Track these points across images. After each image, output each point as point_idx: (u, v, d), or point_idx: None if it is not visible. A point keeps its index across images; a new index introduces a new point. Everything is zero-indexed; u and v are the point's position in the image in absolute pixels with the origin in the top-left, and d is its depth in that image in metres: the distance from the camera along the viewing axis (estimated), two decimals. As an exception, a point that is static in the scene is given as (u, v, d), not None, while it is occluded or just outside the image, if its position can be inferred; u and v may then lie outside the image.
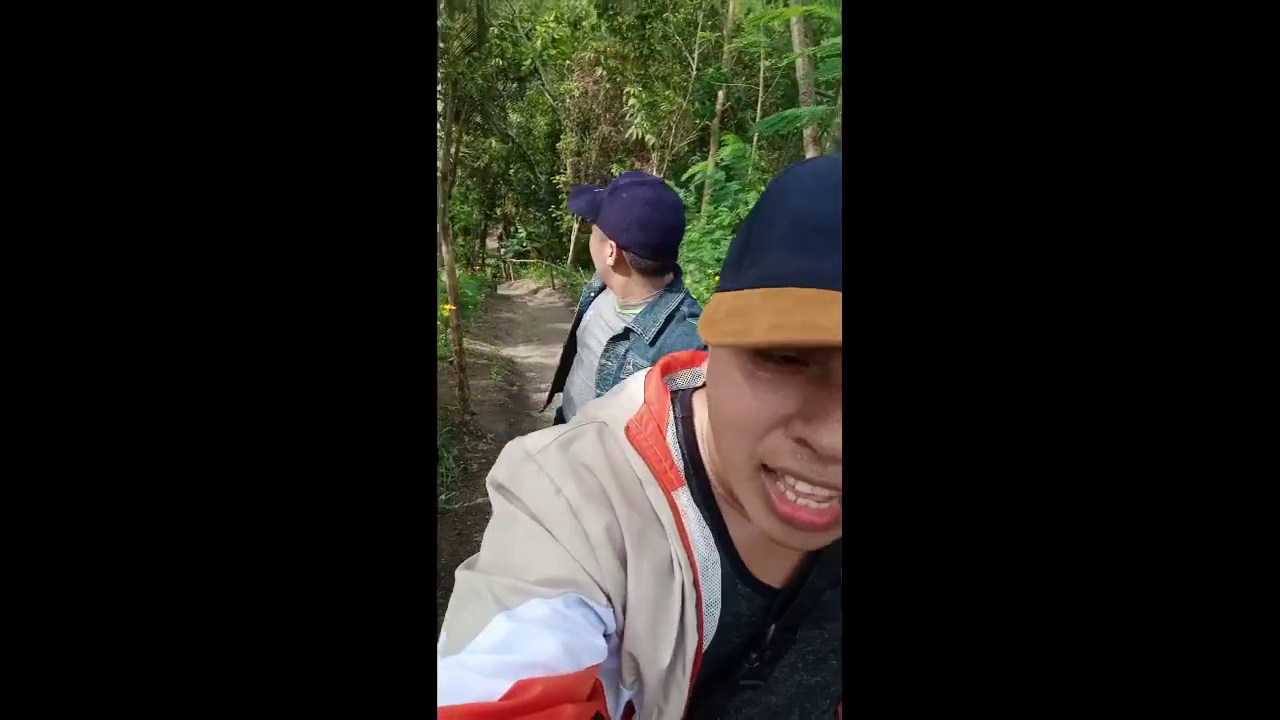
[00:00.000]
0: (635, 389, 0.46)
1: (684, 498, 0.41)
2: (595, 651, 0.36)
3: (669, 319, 1.12)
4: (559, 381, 1.36)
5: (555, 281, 9.66)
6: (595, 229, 1.14)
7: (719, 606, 0.42)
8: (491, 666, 0.33)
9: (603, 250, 1.12)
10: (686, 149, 6.53)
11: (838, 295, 0.29)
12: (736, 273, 0.35)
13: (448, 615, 0.38)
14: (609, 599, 0.38)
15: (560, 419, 1.38)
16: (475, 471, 2.53)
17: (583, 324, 1.27)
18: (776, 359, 0.32)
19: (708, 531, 0.42)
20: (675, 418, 0.43)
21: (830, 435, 0.30)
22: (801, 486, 0.33)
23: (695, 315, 1.15)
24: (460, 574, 0.40)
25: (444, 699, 0.31)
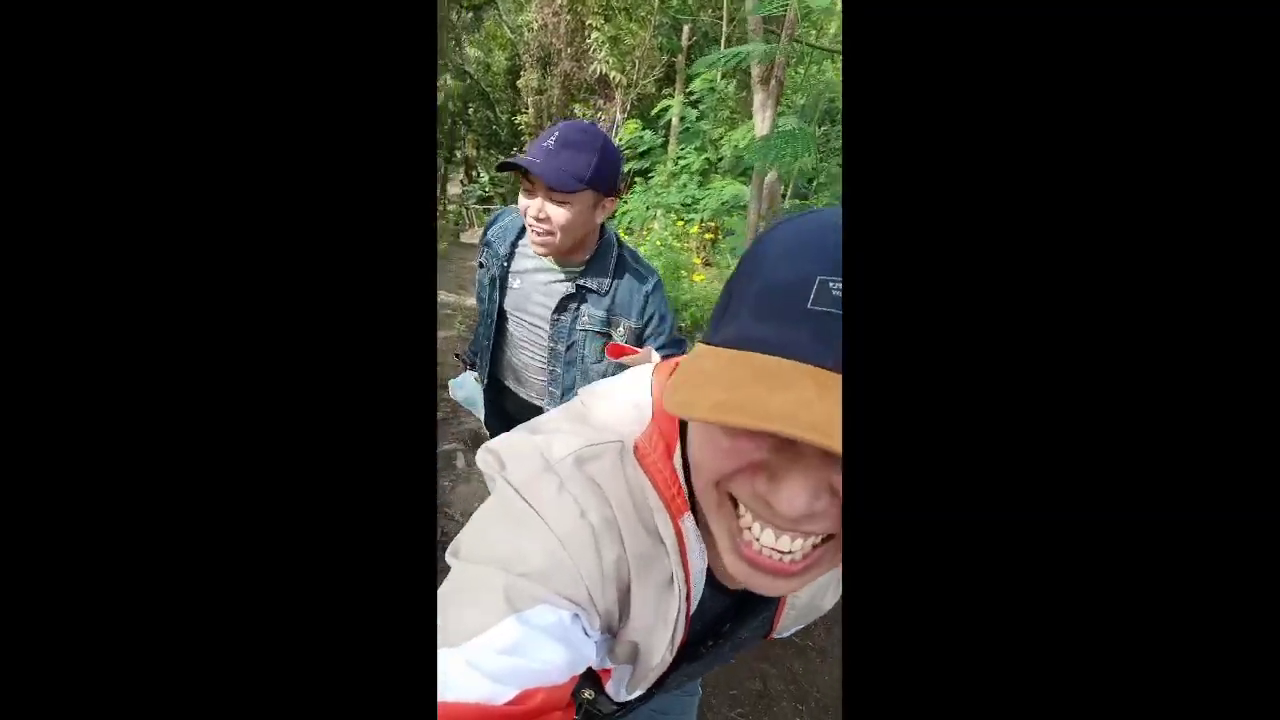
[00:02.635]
0: (643, 399, 0.45)
1: (689, 523, 0.41)
2: (584, 663, 0.38)
3: (615, 270, 1.11)
4: (494, 361, 1.30)
5: (521, 228, 9.42)
6: (581, 196, 1.01)
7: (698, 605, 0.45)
8: (500, 670, 0.33)
9: (596, 213, 1.05)
10: (653, 86, 6.29)
11: (796, 366, 0.29)
12: (716, 328, 0.35)
13: (443, 597, 0.37)
14: (600, 624, 0.41)
15: (496, 384, 1.32)
16: (440, 419, 2.53)
17: (513, 296, 1.19)
18: None
19: (704, 548, 0.42)
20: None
21: (789, 501, 0.31)
22: (765, 537, 0.34)
23: (637, 260, 1.14)
24: (458, 563, 0.39)
25: (447, 693, 0.32)
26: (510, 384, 1.31)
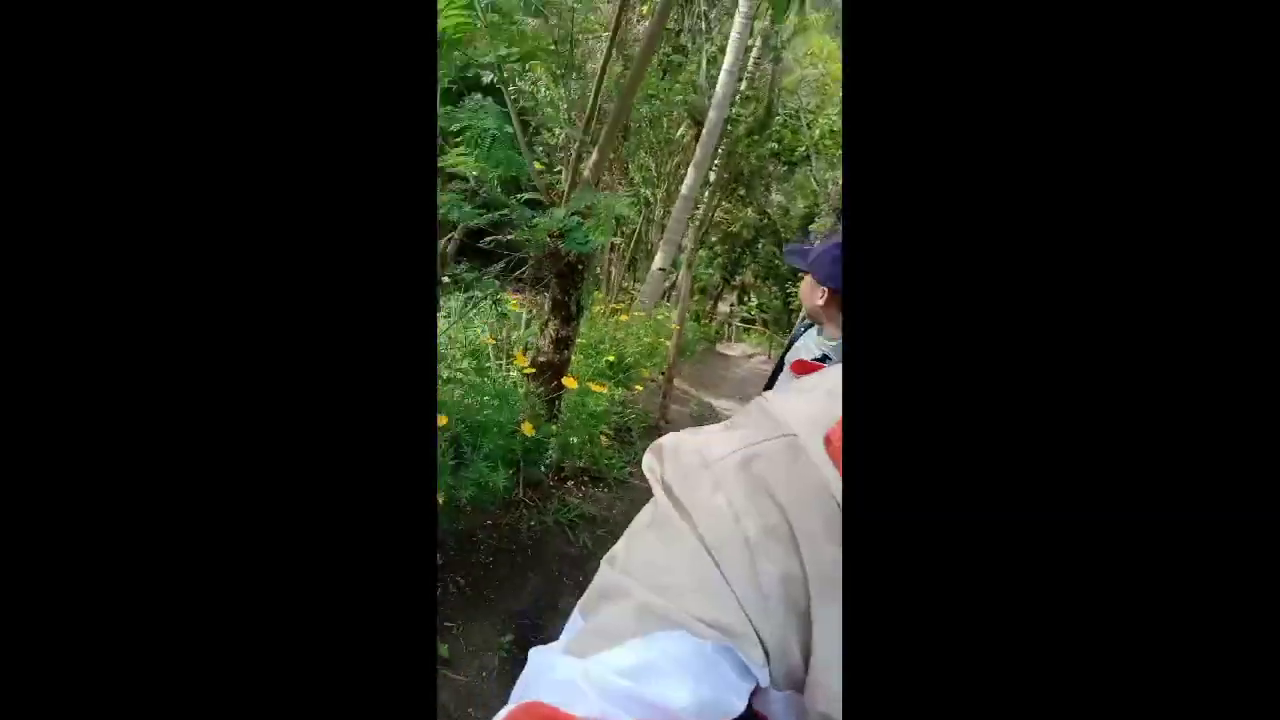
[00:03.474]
0: (836, 388, 0.39)
1: None
2: (728, 709, 0.33)
3: None
4: None
5: (773, 351, 9.85)
6: (807, 277, 1.37)
7: None
8: (615, 692, 0.30)
9: (814, 294, 1.37)
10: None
11: None
12: None
13: (587, 599, 0.35)
14: (768, 655, 0.34)
15: None
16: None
17: (791, 351, 1.49)
18: None
19: None
20: None
21: None
22: None
23: None
24: (606, 568, 0.37)
25: (556, 697, 0.30)
26: None
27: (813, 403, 0.39)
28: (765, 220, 11.79)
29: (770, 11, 7.72)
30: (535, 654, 0.33)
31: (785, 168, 11.15)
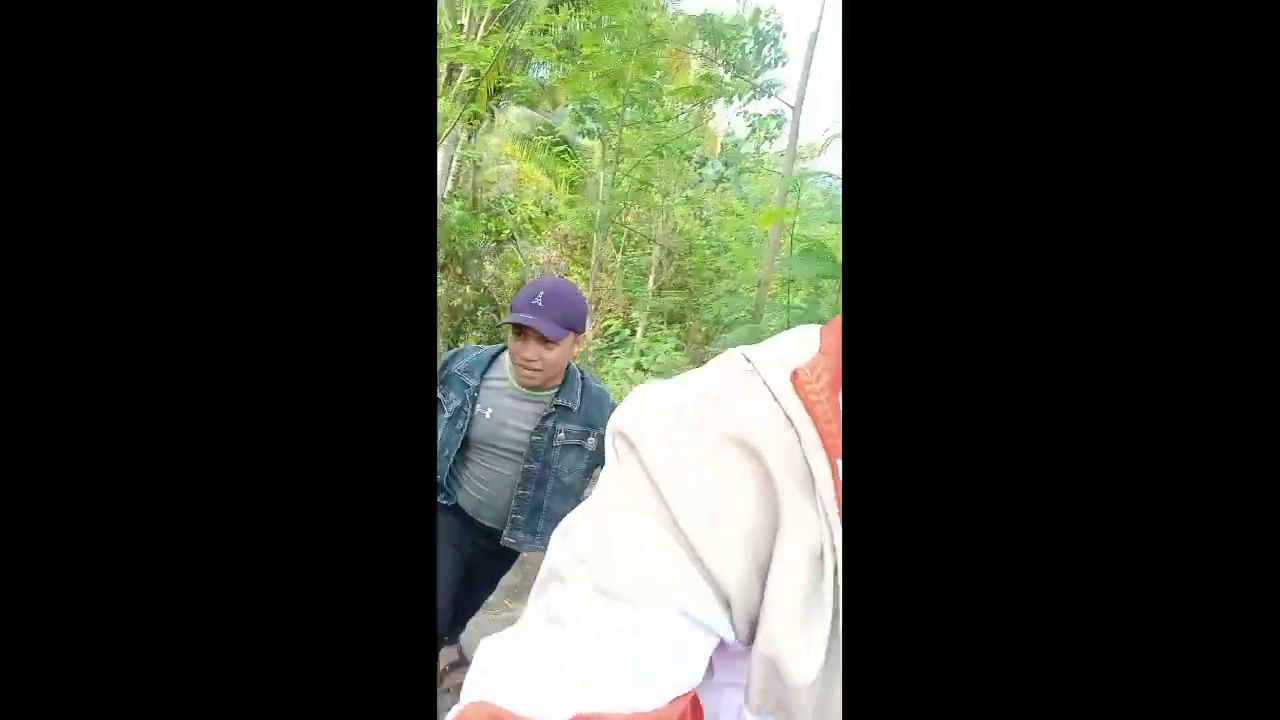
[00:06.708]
0: (802, 337, 0.40)
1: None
2: (679, 686, 0.32)
3: (583, 390, 1.40)
4: (456, 492, 1.45)
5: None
6: (563, 343, 1.29)
7: None
8: (546, 680, 0.29)
9: (573, 350, 1.35)
10: (620, 313, 8.64)
11: None
12: None
13: (541, 579, 0.35)
14: (729, 603, 0.32)
15: (459, 510, 1.46)
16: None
17: (484, 426, 1.36)
18: None
19: None
20: None
21: None
22: None
23: (596, 381, 1.46)
24: (557, 532, 0.36)
25: (509, 694, 0.29)
26: (471, 513, 1.45)
27: (774, 349, 0.39)
28: (482, 292, 13.20)
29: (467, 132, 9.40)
30: (487, 643, 0.31)
31: (495, 244, 12.80)
